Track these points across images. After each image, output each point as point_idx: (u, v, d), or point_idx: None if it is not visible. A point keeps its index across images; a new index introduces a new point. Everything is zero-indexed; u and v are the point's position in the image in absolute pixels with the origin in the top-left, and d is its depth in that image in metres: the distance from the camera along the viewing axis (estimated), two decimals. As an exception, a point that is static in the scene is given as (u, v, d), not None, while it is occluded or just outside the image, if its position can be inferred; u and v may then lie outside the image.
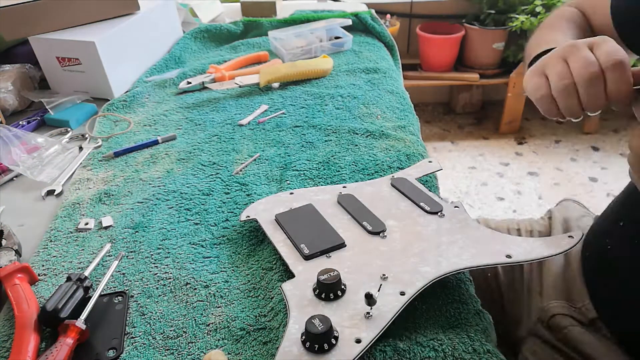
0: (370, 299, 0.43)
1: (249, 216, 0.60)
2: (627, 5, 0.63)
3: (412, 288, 0.46)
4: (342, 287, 0.47)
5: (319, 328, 0.41)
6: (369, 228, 0.55)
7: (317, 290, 0.47)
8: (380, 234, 0.54)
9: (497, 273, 0.78)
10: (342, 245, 0.53)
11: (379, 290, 0.45)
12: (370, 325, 0.43)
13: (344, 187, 0.64)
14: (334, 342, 0.42)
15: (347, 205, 0.59)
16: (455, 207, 0.58)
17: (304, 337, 0.42)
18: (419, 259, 0.50)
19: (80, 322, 0.47)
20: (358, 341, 0.42)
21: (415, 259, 0.50)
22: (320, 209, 0.59)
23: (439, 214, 0.57)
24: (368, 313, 0.44)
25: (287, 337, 0.43)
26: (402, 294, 0.46)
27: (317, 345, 0.41)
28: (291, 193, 0.64)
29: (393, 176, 0.66)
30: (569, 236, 0.50)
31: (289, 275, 0.52)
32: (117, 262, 0.56)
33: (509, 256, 0.49)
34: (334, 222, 0.57)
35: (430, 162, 0.69)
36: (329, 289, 0.46)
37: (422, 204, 0.58)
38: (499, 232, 0.53)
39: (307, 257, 0.52)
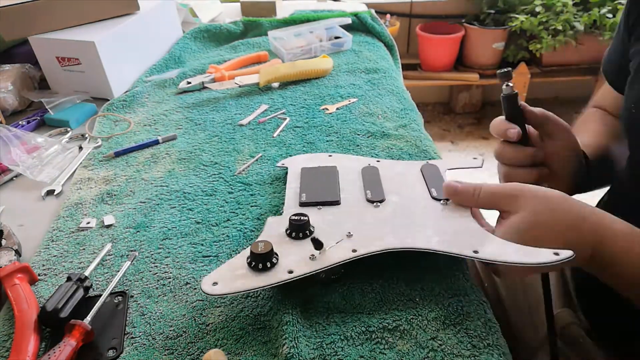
0: (316, 243, 0.49)
1: (283, 164, 0.69)
2: (609, 64, 0.72)
3: (365, 249, 0.49)
4: (308, 231, 0.52)
5: (259, 249, 0.48)
6: (368, 196, 0.58)
7: (288, 230, 0.53)
8: (375, 204, 0.57)
9: (499, 297, 0.76)
10: (335, 202, 0.58)
11: (337, 243, 0.50)
12: (308, 264, 0.49)
13: (378, 161, 0.68)
14: (269, 265, 0.48)
15: (365, 176, 0.63)
16: None
17: (249, 258, 0.49)
18: (391, 230, 0.52)
19: (86, 323, 0.47)
20: (290, 272, 0.48)
21: (388, 229, 0.52)
22: (341, 173, 0.64)
23: (443, 201, 0.56)
24: (312, 255, 0.49)
25: (240, 254, 0.50)
26: (354, 251, 0.49)
27: (254, 263, 0.48)
28: (330, 155, 0.70)
29: (428, 162, 0.66)
30: (554, 253, 0.45)
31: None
32: (130, 262, 0.55)
33: (475, 251, 0.48)
34: (344, 185, 0.61)
35: (475, 159, 0.69)
36: (297, 229, 0.52)
37: (432, 189, 0.59)
38: (484, 230, 0.51)
39: (301, 204, 0.58)
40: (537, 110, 0.58)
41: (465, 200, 0.54)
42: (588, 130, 0.73)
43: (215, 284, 0.47)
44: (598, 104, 0.81)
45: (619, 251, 0.46)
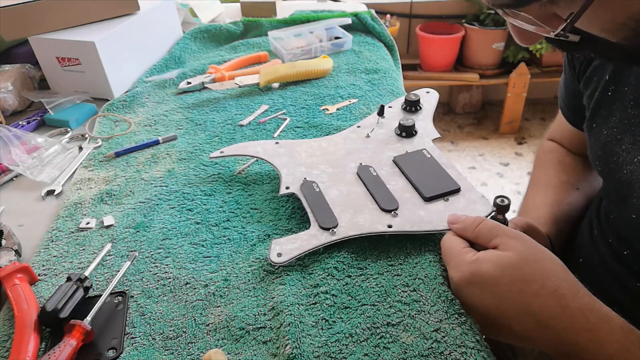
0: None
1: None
2: (564, 102, 0.75)
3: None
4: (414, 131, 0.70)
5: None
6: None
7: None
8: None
9: None
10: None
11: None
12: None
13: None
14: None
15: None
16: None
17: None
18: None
19: (86, 323, 0.47)
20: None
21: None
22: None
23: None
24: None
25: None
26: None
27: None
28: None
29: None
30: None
31: (297, 264, 0.52)
32: (130, 263, 0.55)
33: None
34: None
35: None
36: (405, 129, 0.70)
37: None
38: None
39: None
40: (520, 224, 0.65)
41: (466, 228, 0.51)
42: (547, 191, 0.77)
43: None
44: (554, 137, 0.82)
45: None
